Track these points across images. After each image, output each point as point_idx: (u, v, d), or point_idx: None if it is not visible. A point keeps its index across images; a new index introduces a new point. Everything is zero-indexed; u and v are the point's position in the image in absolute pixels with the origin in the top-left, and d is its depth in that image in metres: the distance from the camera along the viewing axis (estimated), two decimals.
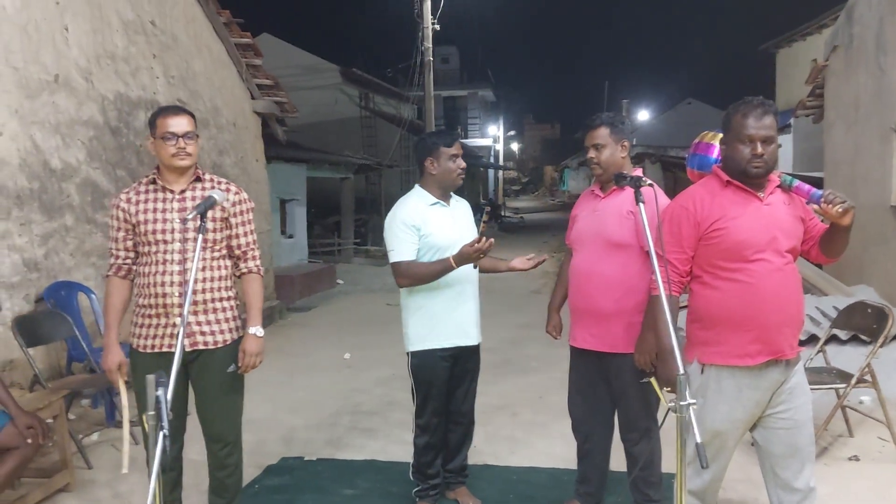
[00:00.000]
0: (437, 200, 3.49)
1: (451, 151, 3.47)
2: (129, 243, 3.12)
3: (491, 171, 39.57)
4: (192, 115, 3.11)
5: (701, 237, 2.64)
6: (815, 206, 2.56)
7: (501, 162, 44.71)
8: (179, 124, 3.01)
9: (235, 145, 8.73)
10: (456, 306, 3.47)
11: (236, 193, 3.17)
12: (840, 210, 2.50)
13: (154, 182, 3.11)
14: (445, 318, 3.44)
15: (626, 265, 3.17)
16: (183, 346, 2.41)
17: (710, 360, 2.66)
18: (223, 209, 3.11)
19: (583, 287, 3.27)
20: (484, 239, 3.23)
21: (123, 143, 6.44)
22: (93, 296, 5.61)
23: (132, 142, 6.58)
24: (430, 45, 17.50)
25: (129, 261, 3.14)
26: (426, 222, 3.41)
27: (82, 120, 5.91)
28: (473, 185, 31.89)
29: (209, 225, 3.06)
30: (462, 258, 3.28)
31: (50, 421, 4.05)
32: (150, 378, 2.18)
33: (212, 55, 8.23)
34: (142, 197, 3.10)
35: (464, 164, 3.52)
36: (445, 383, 3.51)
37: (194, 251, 3.00)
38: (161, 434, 2.14)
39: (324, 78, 22.66)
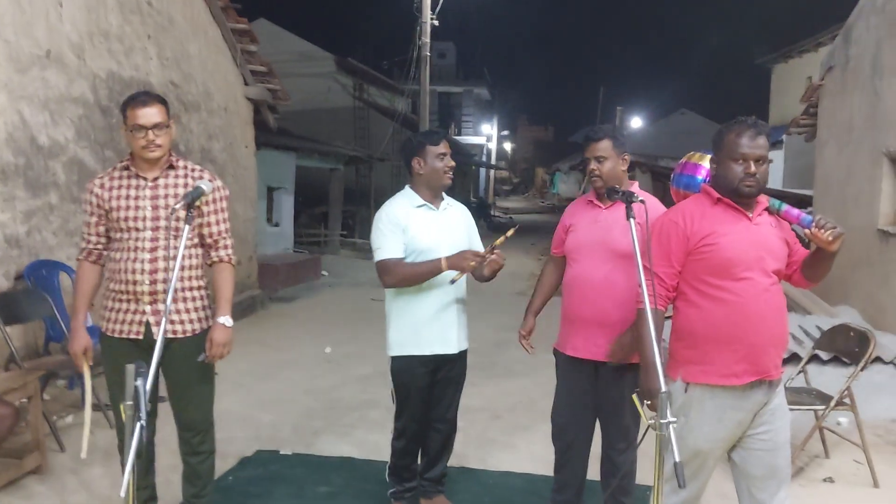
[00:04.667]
0: (425, 202, 3.44)
1: (439, 150, 3.42)
2: (102, 228, 3.10)
3: (482, 170, 39.50)
4: (163, 102, 3.02)
5: (690, 251, 2.64)
6: (806, 231, 2.56)
7: (494, 161, 44.68)
8: (148, 116, 2.94)
9: (225, 130, 8.66)
10: (439, 313, 3.41)
11: (210, 181, 3.07)
12: (831, 237, 2.50)
13: (127, 168, 3.07)
14: (427, 325, 3.39)
15: (631, 275, 3.17)
16: (163, 335, 2.37)
17: (695, 378, 2.65)
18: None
19: (590, 297, 3.22)
20: (495, 251, 3.23)
21: (113, 122, 6.36)
22: (74, 276, 5.54)
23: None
24: (429, 41, 17.41)
25: (100, 246, 3.13)
26: (410, 224, 3.37)
27: (72, 97, 5.83)
28: (465, 183, 31.84)
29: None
30: (455, 261, 3.25)
31: (24, 401, 4.00)
32: (130, 368, 2.15)
33: (207, 39, 8.15)
34: (115, 183, 3.06)
35: (452, 163, 3.46)
36: (424, 390, 3.47)
37: (166, 239, 2.98)
38: (138, 425, 2.11)
39: (318, 66, 22.49)
